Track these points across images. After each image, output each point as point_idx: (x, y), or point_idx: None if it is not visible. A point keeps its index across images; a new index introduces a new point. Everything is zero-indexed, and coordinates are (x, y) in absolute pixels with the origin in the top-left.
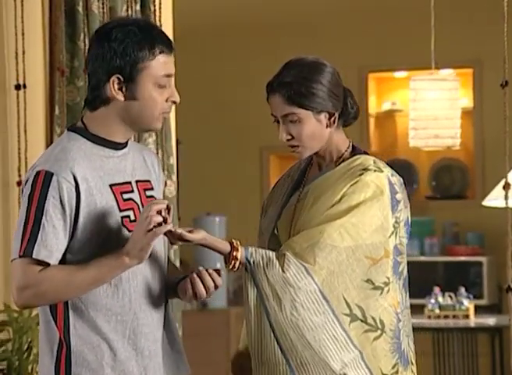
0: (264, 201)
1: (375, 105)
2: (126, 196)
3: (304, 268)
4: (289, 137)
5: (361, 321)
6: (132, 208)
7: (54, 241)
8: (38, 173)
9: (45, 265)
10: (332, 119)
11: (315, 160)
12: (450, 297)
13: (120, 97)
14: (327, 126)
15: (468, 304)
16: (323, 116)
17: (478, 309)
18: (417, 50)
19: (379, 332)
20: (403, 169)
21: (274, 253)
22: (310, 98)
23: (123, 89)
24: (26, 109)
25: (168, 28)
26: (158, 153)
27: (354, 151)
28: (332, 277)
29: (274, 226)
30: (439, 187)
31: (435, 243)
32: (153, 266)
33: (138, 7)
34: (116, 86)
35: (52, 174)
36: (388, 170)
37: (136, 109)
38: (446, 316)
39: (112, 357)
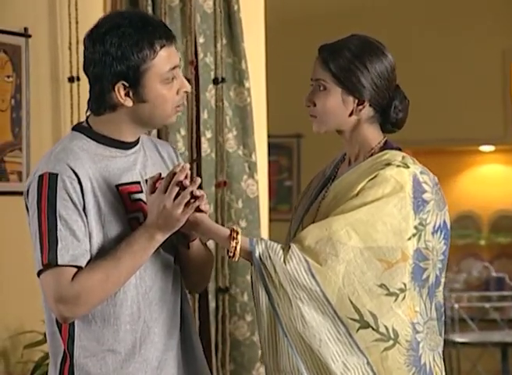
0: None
1: None
2: (134, 197)
3: (307, 264)
4: (309, 104)
5: (373, 329)
6: (141, 210)
7: (76, 244)
8: (41, 176)
9: (74, 269)
10: (360, 107)
11: (348, 156)
12: None
13: (128, 103)
14: (351, 113)
15: None
16: (351, 100)
17: None
18: None
19: (391, 342)
20: None
21: (280, 244)
22: (346, 74)
23: (130, 94)
24: (79, 103)
25: (258, 15)
26: (238, 149)
27: (385, 147)
28: (337, 277)
29: (300, 223)
30: None
31: None
32: (164, 271)
33: None
34: (122, 92)
35: (57, 175)
36: (416, 167)
37: (148, 111)
38: None
39: (118, 370)
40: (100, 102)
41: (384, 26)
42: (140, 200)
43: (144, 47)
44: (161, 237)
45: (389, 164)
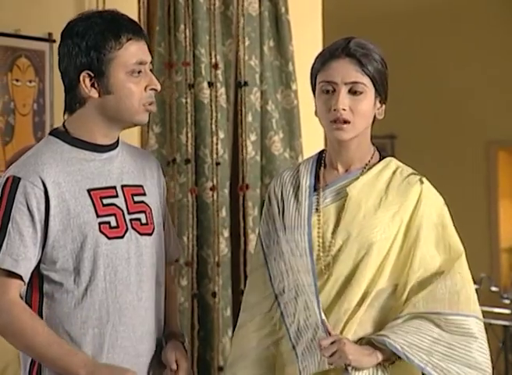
0: (262, 219)
1: None
2: (106, 201)
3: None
4: (347, 108)
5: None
6: (114, 214)
7: (21, 250)
8: (8, 178)
9: (15, 276)
10: (380, 110)
11: (334, 161)
12: None
13: (94, 93)
14: (374, 117)
15: None
16: (378, 102)
17: None
18: None
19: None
20: None
21: (410, 326)
22: (381, 76)
23: (95, 85)
24: None
25: (315, 17)
26: (284, 152)
27: (382, 154)
28: None
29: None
30: None
31: None
32: (141, 275)
33: None
34: (88, 83)
35: (20, 179)
36: None
37: (113, 103)
38: None
39: None
40: (70, 96)
41: (449, 25)
42: (114, 205)
43: (110, 37)
44: None
45: (414, 174)
